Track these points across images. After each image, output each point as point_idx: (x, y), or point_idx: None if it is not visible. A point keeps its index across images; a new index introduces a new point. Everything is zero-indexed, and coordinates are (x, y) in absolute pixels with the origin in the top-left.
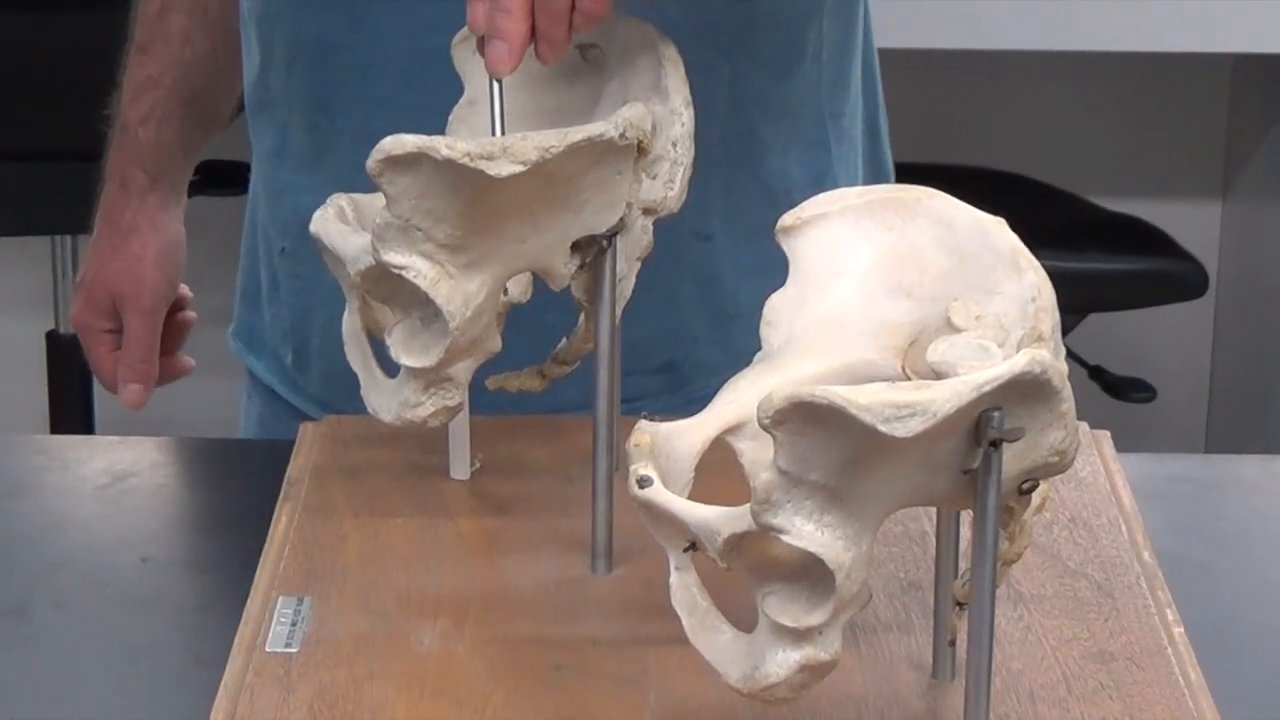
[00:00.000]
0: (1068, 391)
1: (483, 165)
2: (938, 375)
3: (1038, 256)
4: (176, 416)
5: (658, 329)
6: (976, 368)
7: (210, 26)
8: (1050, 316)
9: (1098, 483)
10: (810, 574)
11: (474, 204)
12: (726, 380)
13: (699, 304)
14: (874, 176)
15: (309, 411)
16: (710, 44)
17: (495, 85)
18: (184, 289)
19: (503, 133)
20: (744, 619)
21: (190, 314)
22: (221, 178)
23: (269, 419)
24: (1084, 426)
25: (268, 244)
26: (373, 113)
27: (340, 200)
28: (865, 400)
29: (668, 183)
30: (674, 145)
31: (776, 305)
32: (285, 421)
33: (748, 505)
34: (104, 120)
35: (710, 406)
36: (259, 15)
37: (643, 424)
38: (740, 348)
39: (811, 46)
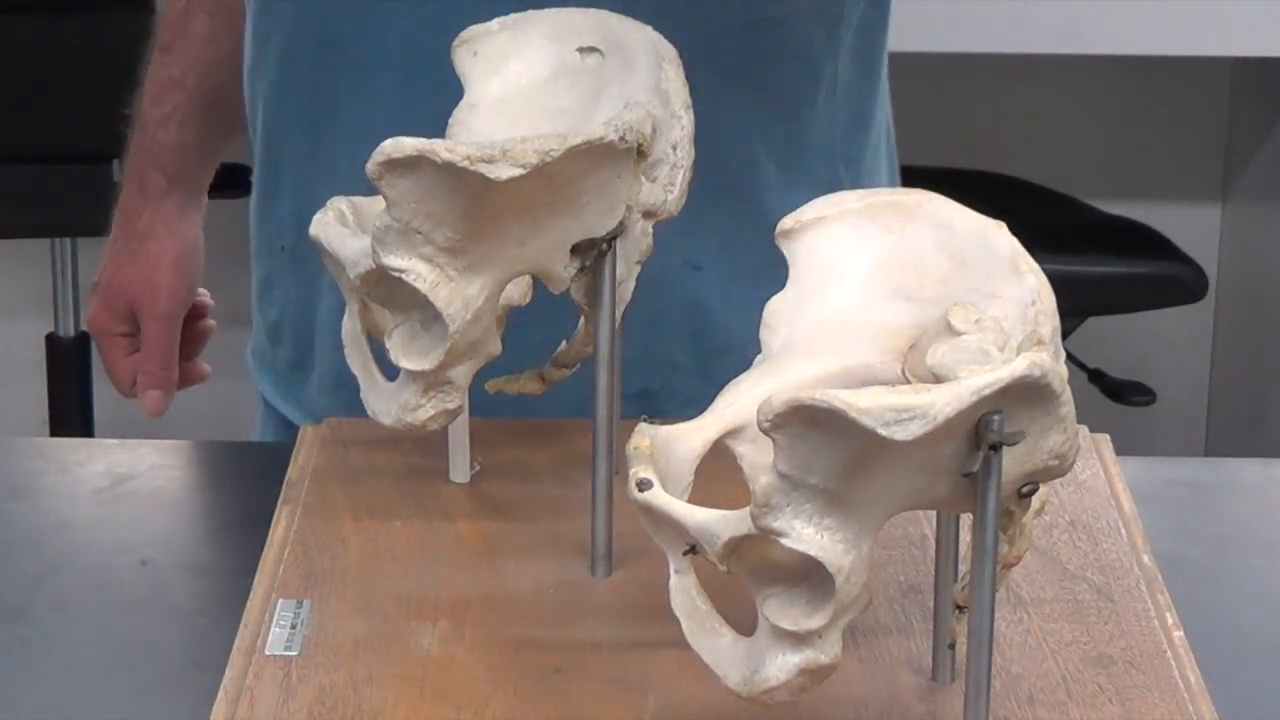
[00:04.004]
0: (1067, 395)
1: (483, 168)
2: (937, 379)
3: (1037, 260)
4: (177, 419)
5: (638, 354)
6: (976, 371)
7: (233, 27)
8: (1050, 320)
9: (1097, 486)
10: (810, 577)
11: (474, 207)
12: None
13: (684, 333)
14: None
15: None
16: (720, 70)
17: None
18: (204, 296)
19: None
20: (744, 622)
21: (210, 322)
22: (223, 180)
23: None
24: (1084, 430)
25: (267, 246)
26: (371, 109)
27: (340, 203)
28: (865, 404)
29: (667, 186)
30: (674, 148)
31: (776, 308)
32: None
33: (747, 509)
34: (121, 121)
35: (710, 409)
36: (257, 7)
37: (643, 427)
38: (726, 382)
39: (825, 85)
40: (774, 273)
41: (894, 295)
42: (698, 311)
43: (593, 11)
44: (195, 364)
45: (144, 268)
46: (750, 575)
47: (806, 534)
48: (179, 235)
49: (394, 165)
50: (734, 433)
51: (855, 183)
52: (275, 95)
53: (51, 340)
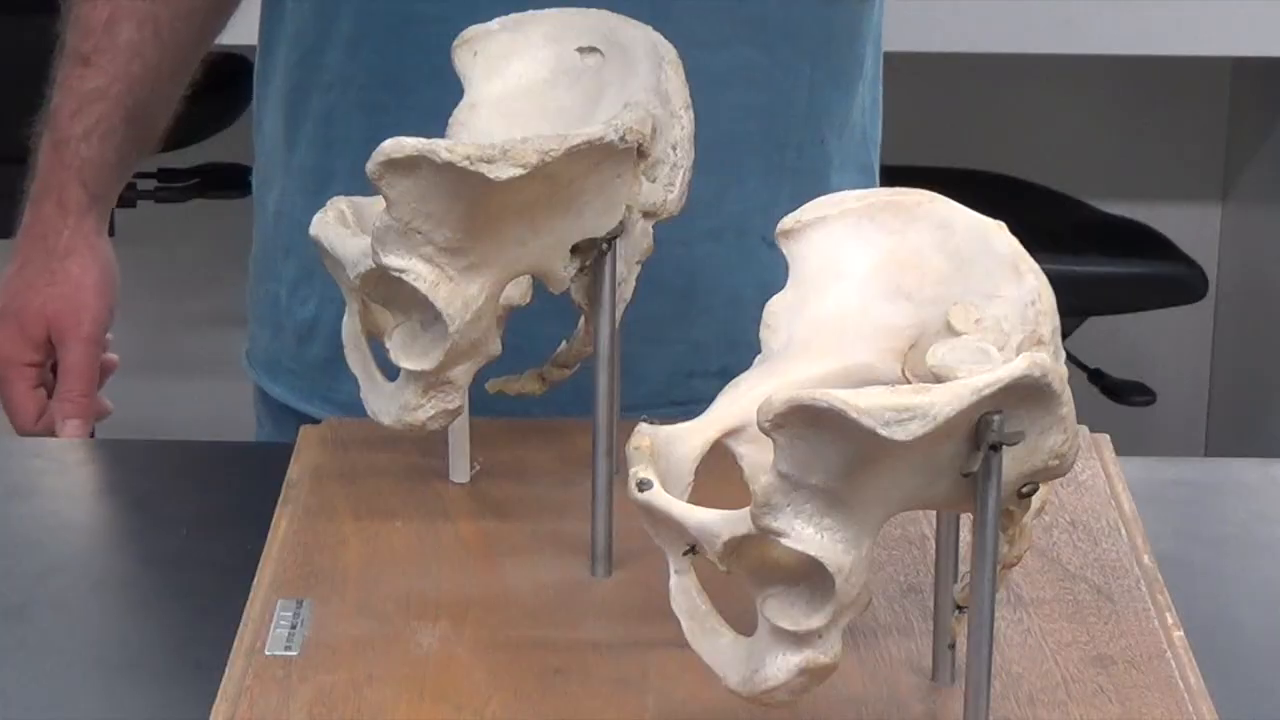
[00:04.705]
0: (1067, 395)
1: (483, 168)
2: (937, 379)
3: (1037, 260)
4: (177, 419)
5: (719, 333)
6: (976, 371)
7: (162, 42)
8: (1050, 320)
9: (1097, 486)
10: (810, 577)
11: (474, 207)
12: None
13: (756, 310)
14: None
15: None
16: (796, 45)
17: None
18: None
19: None
20: (744, 622)
21: (114, 356)
22: (222, 180)
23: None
24: (1084, 430)
25: (288, 251)
26: (446, 89)
27: (340, 203)
28: (865, 403)
29: (667, 186)
30: (674, 148)
31: (776, 308)
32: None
33: (747, 508)
34: (30, 136)
35: (710, 409)
36: None
37: (643, 427)
38: None
39: (864, 68)
40: None
41: (894, 295)
42: (768, 289)
43: (593, 11)
44: (99, 399)
45: (66, 288)
46: (750, 575)
47: (806, 534)
48: (100, 253)
49: (394, 165)
50: (734, 433)
51: (874, 170)
52: (339, 81)
53: None
